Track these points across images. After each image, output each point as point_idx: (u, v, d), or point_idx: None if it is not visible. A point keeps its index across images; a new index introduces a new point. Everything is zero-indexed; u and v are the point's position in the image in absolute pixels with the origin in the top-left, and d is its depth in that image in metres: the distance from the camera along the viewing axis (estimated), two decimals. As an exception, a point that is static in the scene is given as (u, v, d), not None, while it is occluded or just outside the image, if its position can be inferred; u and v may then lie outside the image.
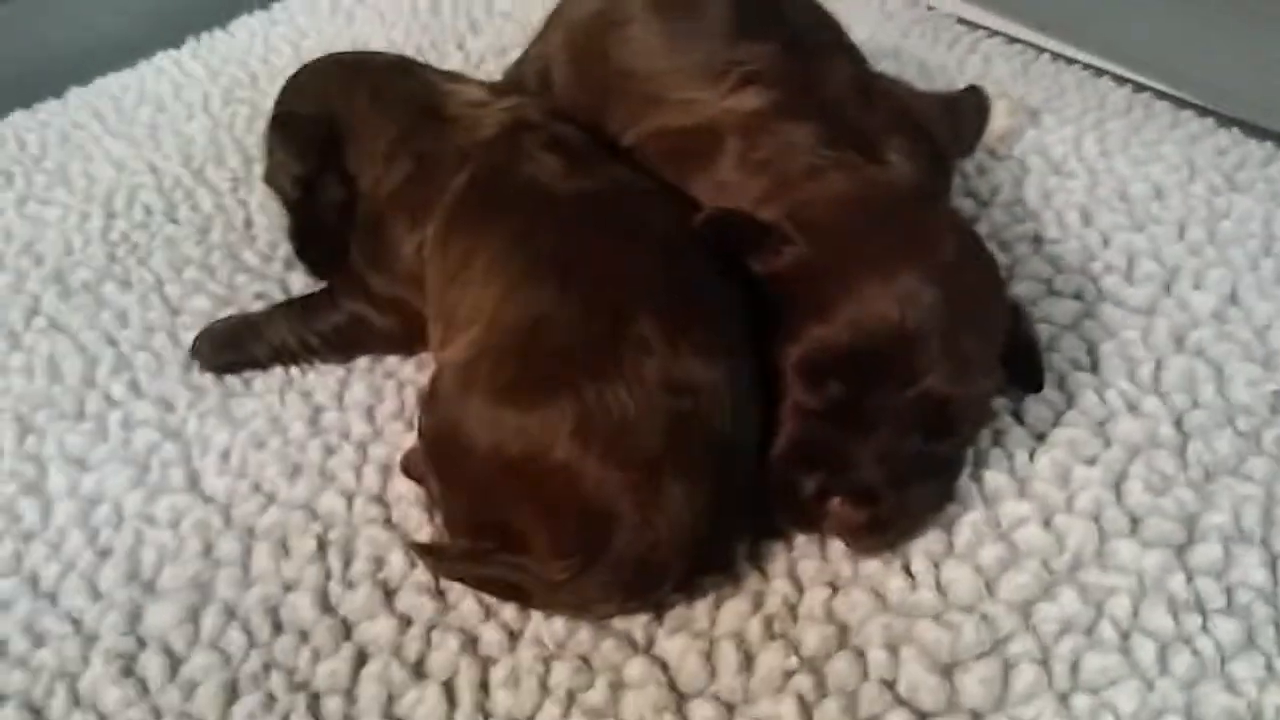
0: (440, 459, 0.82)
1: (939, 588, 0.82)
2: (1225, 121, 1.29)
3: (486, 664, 0.79)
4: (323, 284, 1.10)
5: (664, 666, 0.78)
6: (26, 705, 0.79)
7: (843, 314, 0.79)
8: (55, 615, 0.85)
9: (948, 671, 0.76)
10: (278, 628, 0.83)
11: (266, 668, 0.80)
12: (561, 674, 0.78)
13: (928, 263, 0.80)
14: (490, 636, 0.80)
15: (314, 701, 0.78)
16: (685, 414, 0.76)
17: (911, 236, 0.83)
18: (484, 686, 0.78)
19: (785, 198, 0.88)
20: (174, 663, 0.81)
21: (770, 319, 0.83)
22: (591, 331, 0.78)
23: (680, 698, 0.76)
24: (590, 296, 0.80)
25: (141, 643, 0.82)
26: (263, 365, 1.05)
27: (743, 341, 0.82)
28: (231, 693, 0.78)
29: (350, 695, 0.78)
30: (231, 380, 1.05)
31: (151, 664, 0.80)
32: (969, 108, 1.22)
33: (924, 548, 0.84)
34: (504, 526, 0.77)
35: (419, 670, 0.79)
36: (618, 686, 0.77)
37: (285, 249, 1.17)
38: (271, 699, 0.78)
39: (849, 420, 0.79)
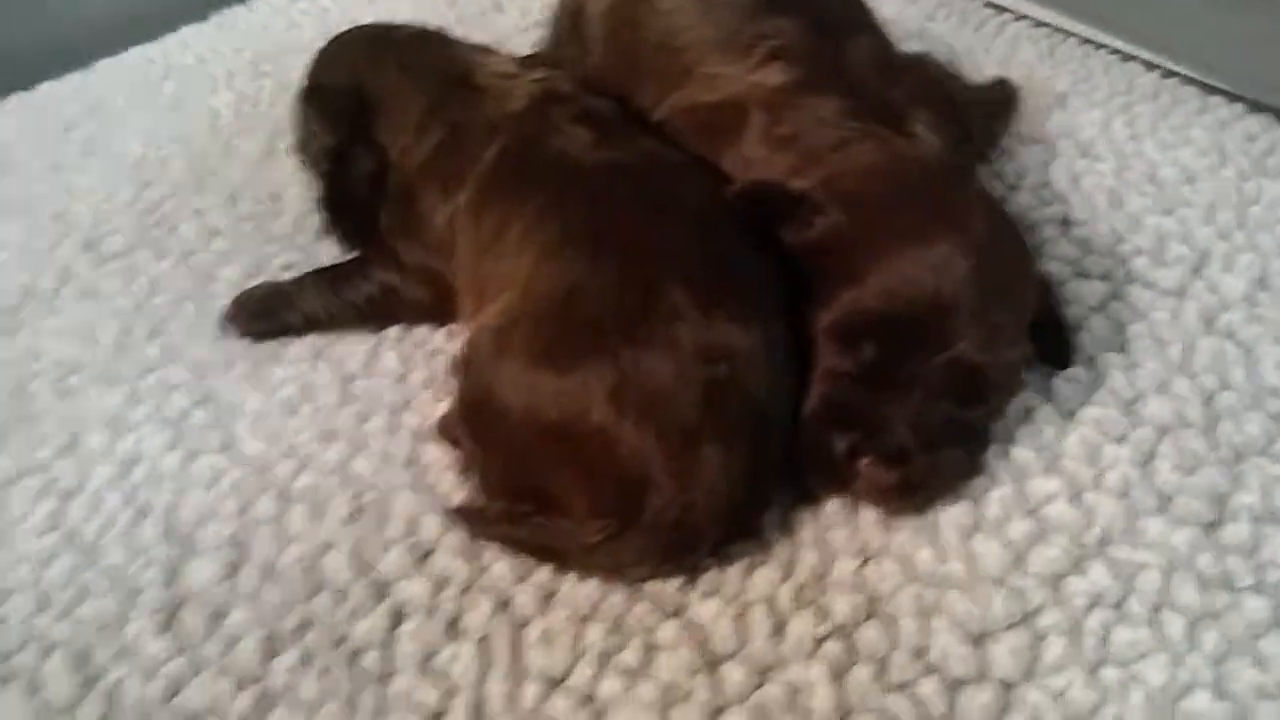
0: (476, 422, 0.83)
1: (969, 560, 0.82)
2: (1255, 108, 1.29)
3: (520, 624, 0.80)
4: (352, 255, 1.10)
5: (696, 630, 0.79)
6: (74, 655, 0.80)
7: (876, 279, 0.80)
8: (96, 571, 0.86)
9: (978, 641, 0.77)
10: (315, 586, 0.84)
11: (304, 624, 0.81)
12: (595, 635, 0.78)
13: (960, 233, 0.81)
14: (524, 598, 0.81)
15: (352, 657, 0.79)
16: (721, 380, 0.76)
17: (943, 207, 0.84)
18: (518, 646, 0.79)
19: (815, 171, 0.89)
20: (214, 618, 0.82)
21: (802, 291, 0.84)
22: (626, 300, 0.79)
23: (712, 660, 0.77)
24: (623, 266, 0.81)
25: (181, 598, 0.83)
26: (294, 334, 1.06)
27: (776, 312, 0.83)
28: (271, 648, 0.79)
29: (387, 651, 0.79)
30: (264, 348, 1.06)
31: (192, 619, 0.82)
32: (997, 98, 1.23)
33: (953, 520, 0.85)
34: (540, 489, 0.79)
35: (454, 629, 0.80)
36: (650, 648, 0.78)
37: (313, 221, 1.17)
38: (310, 654, 0.79)
39: (881, 383, 0.80)
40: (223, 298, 1.10)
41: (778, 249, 0.87)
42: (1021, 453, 0.89)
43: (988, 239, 0.83)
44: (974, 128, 1.10)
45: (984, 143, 1.19)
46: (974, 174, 1.07)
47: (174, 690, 0.77)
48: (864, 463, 0.80)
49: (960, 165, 0.97)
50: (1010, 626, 0.78)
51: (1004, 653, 0.76)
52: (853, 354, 0.81)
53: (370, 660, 0.78)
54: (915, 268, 0.79)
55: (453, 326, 1.04)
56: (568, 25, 1.21)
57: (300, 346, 1.05)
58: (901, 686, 0.75)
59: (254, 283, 1.12)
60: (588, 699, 0.75)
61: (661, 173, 0.92)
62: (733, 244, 0.86)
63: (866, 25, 1.08)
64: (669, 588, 0.81)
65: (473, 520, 0.85)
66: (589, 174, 0.91)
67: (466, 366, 0.84)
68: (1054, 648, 0.77)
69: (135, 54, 1.57)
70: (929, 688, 0.75)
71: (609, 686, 0.76)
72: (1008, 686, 0.75)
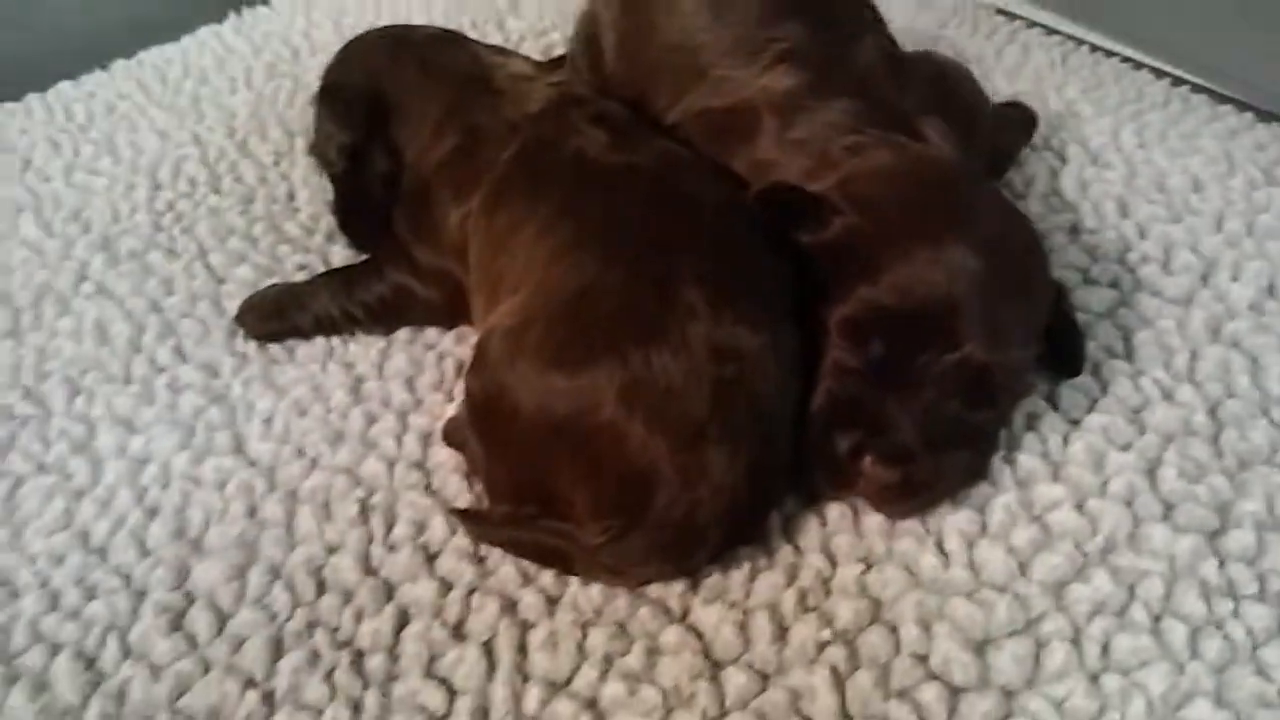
0: (486, 422, 0.84)
1: (972, 567, 0.83)
2: (1264, 117, 1.29)
3: (525, 628, 0.81)
4: (364, 257, 1.11)
5: (699, 635, 0.79)
6: (79, 655, 0.81)
7: (889, 277, 0.81)
8: (105, 570, 0.87)
9: (980, 648, 0.77)
10: (321, 587, 0.85)
11: (311, 626, 0.82)
12: (598, 639, 0.79)
13: (975, 234, 0.82)
14: (529, 601, 0.82)
15: (357, 659, 0.79)
16: (729, 381, 0.77)
17: (959, 209, 0.85)
18: (522, 649, 0.79)
19: (830, 174, 0.90)
20: (221, 618, 0.83)
21: (815, 292, 0.85)
22: (638, 298, 0.80)
23: (715, 665, 0.78)
24: (637, 265, 0.82)
25: (190, 598, 0.84)
26: (306, 335, 1.07)
27: (787, 314, 0.84)
28: (277, 648, 0.80)
29: (392, 654, 0.80)
30: (275, 349, 1.07)
31: (200, 619, 0.82)
32: (1015, 122, 1.22)
33: (957, 527, 0.85)
34: (547, 489, 0.79)
35: (459, 632, 0.81)
36: (654, 652, 0.78)
37: (327, 222, 1.19)
38: (316, 655, 0.80)
39: (888, 381, 0.81)
40: (235, 298, 1.10)
41: (791, 251, 0.87)
42: (1027, 459, 0.90)
43: (1002, 241, 0.84)
44: (984, 132, 1.10)
45: (999, 161, 1.19)
46: (985, 177, 1.07)
47: (180, 691, 0.78)
48: (867, 461, 0.81)
49: (974, 168, 0.98)
50: (1012, 634, 0.78)
51: (1006, 660, 0.77)
52: (862, 350, 0.82)
53: (376, 662, 0.79)
54: (928, 267, 0.80)
55: (462, 330, 1.05)
56: (583, 34, 1.22)
57: (311, 348, 1.06)
58: (902, 693, 0.76)
59: (267, 283, 1.12)
60: (591, 703, 0.76)
61: (675, 174, 0.92)
62: (745, 245, 0.86)
63: (873, 26, 1.09)
64: (672, 593, 0.82)
65: (477, 523, 0.86)
66: (604, 175, 0.92)
67: (477, 367, 0.84)
68: (1056, 655, 0.77)
69: (154, 54, 1.58)
70: (930, 694, 0.75)
71: (612, 690, 0.76)
72: (1009, 694, 0.75)
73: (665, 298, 0.79)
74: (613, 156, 0.93)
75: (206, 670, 0.79)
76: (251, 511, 0.91)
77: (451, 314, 1.04)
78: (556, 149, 0.95)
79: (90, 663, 0.80)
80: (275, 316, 1.07)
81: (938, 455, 0.82)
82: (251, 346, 1.07)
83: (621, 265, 0.82)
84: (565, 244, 0.86)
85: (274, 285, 1.11)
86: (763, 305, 0.82)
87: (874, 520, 0.86)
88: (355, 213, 1.09)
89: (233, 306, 1.10)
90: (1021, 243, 0.87)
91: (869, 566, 0.83)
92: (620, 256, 0.83)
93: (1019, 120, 1.21)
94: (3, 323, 1.11)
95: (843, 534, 0.86)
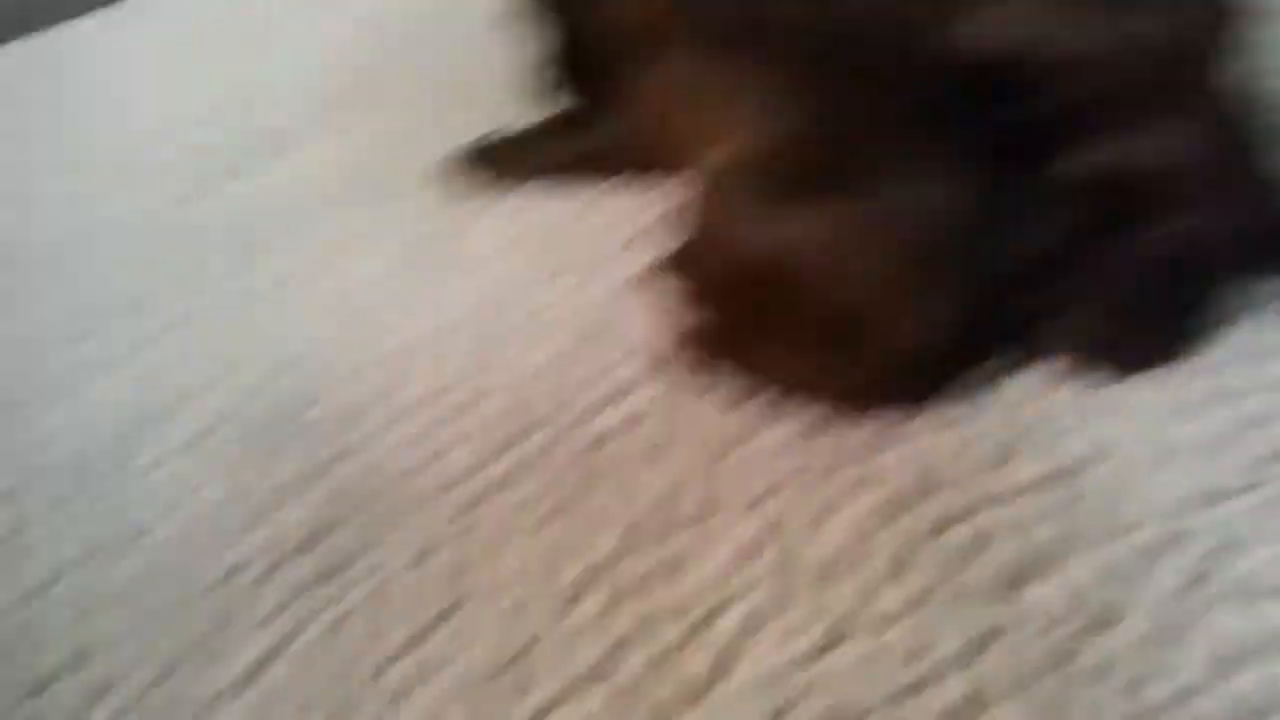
0: (695, 266, 0.86)
1: (1165, 443, 0.81)
2: None
3: (722, 449, 0.84)
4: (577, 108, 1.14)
5: (883, 478, 0.81)
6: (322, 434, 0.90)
7: (1110, 144, 0.80)
8: (324, 386, 0.95)
9: (1175, 513, 0.76)
10: (517, 414, 0.90)
11: (508, 443, 0.88)
12: (784, 469, 0.82)
13: (1204, 109, 0.81)
14: (728, 426, 0.85)
15: (554, 476, 0.85)
16: (939, 235, 0.78)
17: (1188, 82, 0.83)
18: (712, 474, 0.82)
19: (1048, 47, 0.88)
20: (428, 427, 0.90)
21: (1031, 159, 0.84)
22: (847, 151, 0.80)
23: (899, 506, 0.79)
24: (843, 120, 0.82)
25: (405, 411, 0.92)
26: (517, 184, 1.11)
27: (998, 177, 0.83)
28: (478, 458, 0.87)
29: (585, 472, 0.84)
30: (478, 201, 1.11)
31: (413, 422, 0.90)
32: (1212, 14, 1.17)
33: (1151, 401, 0.83)
34: (756, 327, 0.82)
35: (652, 455, 0.84)
36: (839, 491, 0.80)
37: (526, 86, 1.21)
38: (512, 471, 0.86)
39: (1099, 246, 0.80)
40: (443, 150, 1.15)
41: (1008, 119, 0.86)
42: (1229, 348, 0.86)
43: (1232, 121, 0.82)
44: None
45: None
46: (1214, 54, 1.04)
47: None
48: (1066, 322, 0.80)
49: (1200, 47, 0.94)
50: (1208, 503, 0.76)
51: (1203, 523, 0.75)
52: (1073, 213, 0.81)
53: (570, 479, 0.84)
54: (1153, 137, 0.79)
55: (666, 185, 1.06)
56: None
57: (516, 198, 1.11)
58: (1092, 546, 0.75)
59: (475, 135, 1.17)
60: (774, 527, 0.78)
61: (883, 34, 0.91)
62: (958, 108, 0.85)
63: None
64: (858, 436, 0.83)
65: (692, 346, 0.88)
66: (803, 35, 0.91)
67: (688, 214, 0.87)
68: (1256, 523, 0.74)
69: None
70: (1122, 552, 0.74)
71: (797, 520, 0.79)
72: (1206, 556, 0.73)
73: (875, 152, 0.80)
74: (810, 16, 0.93)
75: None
76: (451, 349, 0.96)
77: (655, 166, 1.06)
78: (753, 11, 0.95)
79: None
80: (488, 166, 1.12)
81: (1139, 326, 0.81)
82: (460, 196, 1.11)
83: (828, 120, 0.83)
84: (770, 98, 0.87)
85: (485, 136, 1.15)
86: (975, 167, 0.82)
87: (1067, 389, 0.85)
88: (567, 66, 1.12)
89: (439, 159, 1.14)
90: (1251, 127, 0.84)
91: (1060, 433, 0.83)
92: (825, 113, 0.83)
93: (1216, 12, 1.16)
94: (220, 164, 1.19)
95: (1035, 400, 0.85)
